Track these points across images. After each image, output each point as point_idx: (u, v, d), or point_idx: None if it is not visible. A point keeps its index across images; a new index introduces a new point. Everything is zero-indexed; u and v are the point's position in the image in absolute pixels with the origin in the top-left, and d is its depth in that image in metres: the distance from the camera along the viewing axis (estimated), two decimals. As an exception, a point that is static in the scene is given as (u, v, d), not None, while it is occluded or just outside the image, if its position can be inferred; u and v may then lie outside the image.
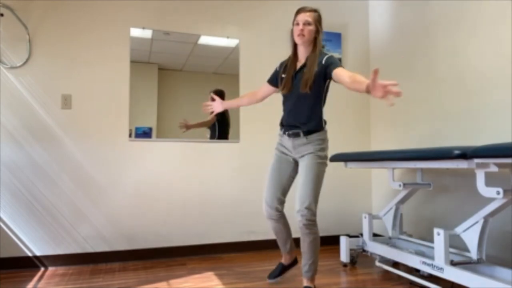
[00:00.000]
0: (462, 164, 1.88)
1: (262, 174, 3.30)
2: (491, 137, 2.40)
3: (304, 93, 2.04)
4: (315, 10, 2.09)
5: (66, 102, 2.85)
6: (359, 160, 2.63)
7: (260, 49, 3.37)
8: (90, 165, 2.88)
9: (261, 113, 3.29)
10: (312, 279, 2.13)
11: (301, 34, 2.03)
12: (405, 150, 2.26)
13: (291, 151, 2.15)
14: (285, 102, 2.19)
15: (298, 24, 2.05)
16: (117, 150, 2.95)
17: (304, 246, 2.09)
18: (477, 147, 1.77)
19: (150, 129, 3.03)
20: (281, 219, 2.24)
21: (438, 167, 2.06)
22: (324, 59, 2.05)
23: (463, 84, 2.62)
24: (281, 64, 2.23)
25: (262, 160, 3.30)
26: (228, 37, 3.28)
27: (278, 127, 2.27)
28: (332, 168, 3.48)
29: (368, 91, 1.66)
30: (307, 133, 2.07)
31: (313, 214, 2.03)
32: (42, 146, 2.79)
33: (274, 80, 2.25)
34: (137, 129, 3.00)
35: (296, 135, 2.09)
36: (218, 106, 2.44)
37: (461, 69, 2.64)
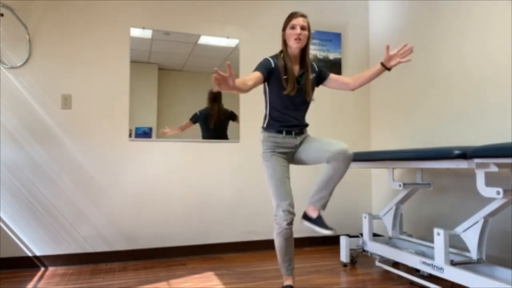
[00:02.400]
0: (462, 164, 1.88)
1: (262, 174, 3.29)
2: (491, 137, 2.40)
3: (304, 97, 2.11)
4: (307, 16, 2.11)
5: (66, 102, 2.85)
6: (359, 160, 2.63)
7: (260, 49, 3.36)
8: (90, 165, 2.88)
9: (261, 113, 3.28)
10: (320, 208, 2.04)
11: (299, 38, 2.02)
12: (405, 150, 2.26)
13: (294, 148, 2.12)
14: (286, 104, 2.08)
15: (294, 28, 2.02)
16: (117, 150, 2.95)
17: (332, 179, 1.96)
18: (477, 147, 1.77)
19: (150, 129, 3.03)
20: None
21: (438, 167, 2.07)
22: (317, 67, 2.19)
23: (463, 84, 2.62)
24: (275, 61, 2.06)
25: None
26: (228, 37, 3.28)
27: (264, 131, 2.12)
28: (332, 168, 3.48)
29: (383, 67, 2.03)
30: (305, 128, 2.18)
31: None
32: (42, 146, 2.79)
33: (266, 73, 2.03)
34: (137, 129, 3.00)
35: (301, 132, 2.15)
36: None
37: (461, 69, 2.64)
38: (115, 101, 2.97)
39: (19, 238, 2.72)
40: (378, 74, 2.08)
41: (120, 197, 2.94)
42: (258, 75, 1.98)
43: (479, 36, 2.50)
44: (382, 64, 2.03)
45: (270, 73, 2.03)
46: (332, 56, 3.53)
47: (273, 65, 2.04)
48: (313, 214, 2.03)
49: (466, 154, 1.82)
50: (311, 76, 2.12)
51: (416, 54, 3.07)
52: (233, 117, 3.25)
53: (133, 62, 3.02)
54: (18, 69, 2.77)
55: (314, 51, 3.48)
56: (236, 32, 3.31)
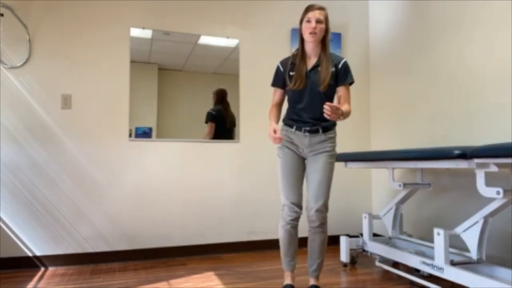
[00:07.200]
0: (462, 164, 1.88)
1: (262, 174, 3.30)
2: (491, 137, 2.40)
3: (319, 91, 2.04)
4: (324, 8, 2.06)
5: (66, 102, 2.85)
6: (359, 160, 2.63)
7: (260, 49, 3.37)
8: (90, 165, 2.88)
9: (261, 113, 3.28)
10: (318, 278, 2.15)
11: (314, 32, 2.00)
12: (405, 150, 2.26)
13: (303, 148, 2.08)
14: (295, 99, 2.09)
15: (309, 21, 2.01)
16: (117, 150, 2.95)
17: (314, 245, 2.09)
18: (477, 147, 1.77)
19: (150, 129, 3.03)
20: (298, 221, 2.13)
21: (438, 167, 2.06)
22: (342, 63, 2.08)
23: (463, 84, 2.62)
24: (283, 64, 2.14)
25: (262, 160, 3.30)
26: (228, 37, 3.28)
27: (281, 124, 2.17)
28: (332, 168, 3.48)
29: None
30: (325, 130, 2.07)
31: (327, 212, 2.07)
32: (42, 146, 2.79)
33: (282, 82, 2.14)
34: (137, 129, 3.00)
35: (315, 131, 2.05)
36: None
37: (461, 69, 2.64)
38: (115, 101, 2.97)
39: (19, 238, 2.72)
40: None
41: (120, 197, 2.94)
42: (278, 93, 2.18)
43: (479, 36, 2.50)
44: None
45: (284, 76, 2.13)
46: (332, 56, 3.53)
47: (282, 69, 2.15)
48: (316, 283, 2.15)
49: (466, 154, 1.82)
50: (332, 70, 2.03)
51: (416, 54, 3.07)
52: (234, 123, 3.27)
53: (133, 62, 3.02)
54: (18, 69, 2.77)
55: (314, 51, 3.48)
56: (236, 32, 3.31)
